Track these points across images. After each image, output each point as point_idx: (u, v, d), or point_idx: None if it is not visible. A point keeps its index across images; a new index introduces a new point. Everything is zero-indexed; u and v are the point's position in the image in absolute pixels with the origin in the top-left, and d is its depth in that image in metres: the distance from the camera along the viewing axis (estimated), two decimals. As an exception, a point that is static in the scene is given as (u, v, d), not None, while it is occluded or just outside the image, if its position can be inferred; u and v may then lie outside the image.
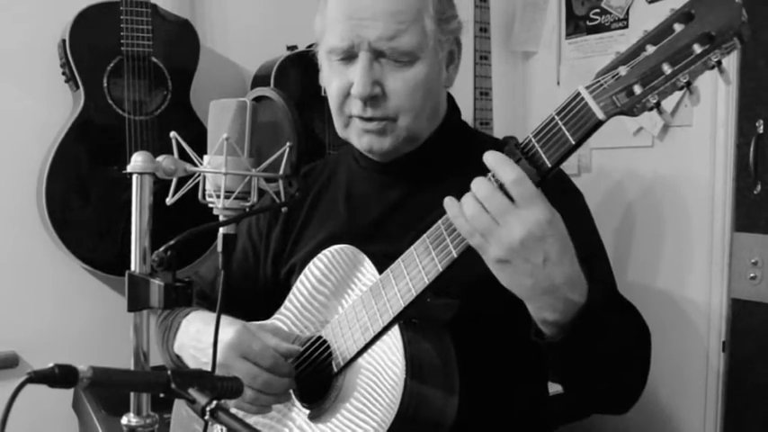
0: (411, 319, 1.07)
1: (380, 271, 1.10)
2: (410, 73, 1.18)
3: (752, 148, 2.05)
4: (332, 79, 1.22)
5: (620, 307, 1.17)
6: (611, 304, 1.06)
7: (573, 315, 0.96)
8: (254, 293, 1.37)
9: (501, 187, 0.92)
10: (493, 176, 0.94)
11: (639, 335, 1.15)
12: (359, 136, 1.23)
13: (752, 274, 2.07)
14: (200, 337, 1.19)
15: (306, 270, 1.24)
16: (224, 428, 1.07)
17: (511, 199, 0.91)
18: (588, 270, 1.15)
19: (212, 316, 0.97)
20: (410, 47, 1.16)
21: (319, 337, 1.18)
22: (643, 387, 1.17)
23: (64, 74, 2.02)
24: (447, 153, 1.27)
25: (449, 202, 0.97)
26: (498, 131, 2.45)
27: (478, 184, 0.94)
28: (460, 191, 0.97)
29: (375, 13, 1.15)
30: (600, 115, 0.87)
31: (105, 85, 2.00)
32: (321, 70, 1.30)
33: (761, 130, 2.04)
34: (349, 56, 1.18)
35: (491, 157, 0.93)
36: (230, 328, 1.12)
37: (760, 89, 2.05)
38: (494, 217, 0.91)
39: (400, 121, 1.20)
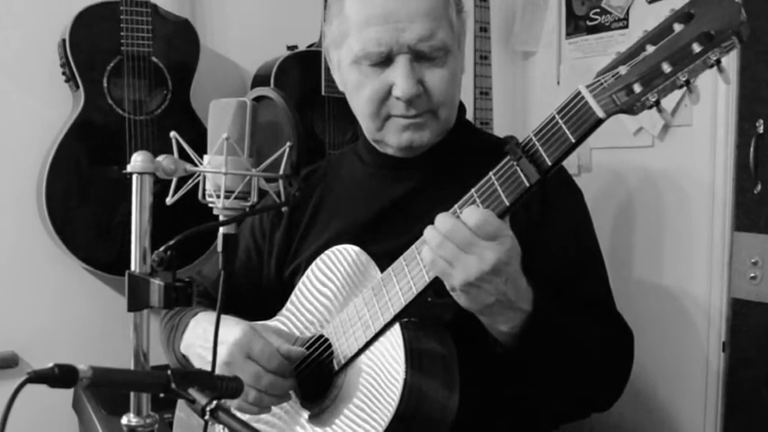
0: (412, 318, 1.07)
1: (383, 269, 1.10)
2: (445, 67, 1.19)
3: (752, 148, 2.04)
4: (364, 84, 1.20)
5: (596, 311, 1.20)
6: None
7: (521, 321, 1.02)
8: (258, 293, 1.38)
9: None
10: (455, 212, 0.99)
11: (608, 343, 1.18)
12: (398, 133, 1.22)
13: (752, 274, 2.07)
14: (207, 337, 1.19)
15: (309, 270, 1.25)
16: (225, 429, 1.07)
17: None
18: (582, 273, 1.17)
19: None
20: (444, 42, 1.17)
21: (321, 336, 1.18)
22: (619, 388, 1.21)
23: (64, 74, 2.02)
24: (455, 149, 1.28)
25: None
26: (498, 131, 2.45)
27: (441, 221, 0.97)
28: (464, 188, 1.00)
29: (411, 14, 1.15)
30: (600, 114, 0.88)
31: (105, 85, 2.00)
32: (338, 74, 1.28)
33: (761, 130, 2.04)
34: (385, 59, 1.17)
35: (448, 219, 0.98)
36: (236, 328, 1.12)
37: (760, 89, 2.04)
38: (460, 248, 0.95)
39: (440, 114, 1.21)
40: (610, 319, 1.23)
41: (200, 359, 1.21)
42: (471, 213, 0.95)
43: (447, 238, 0.95)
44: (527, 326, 1.02)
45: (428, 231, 0.98)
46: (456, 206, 1.01)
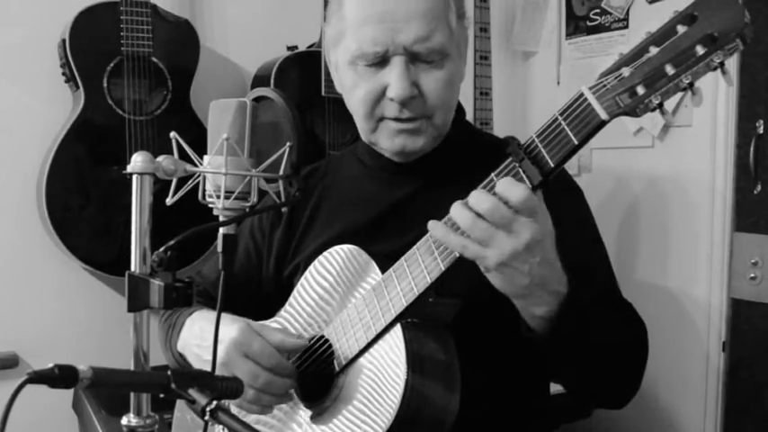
0: (413, 319, 1.07)
1: (384, 270, 1.10)
2: (442, 71, 1.17)
3: (752, 148, 2.04)
4: (359, 84, 1.19)
5: (612, 300, 1.20)
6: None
7: (557, 305, 1.00)
8: (257, 293, 1.37)
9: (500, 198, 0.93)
10: (487, 186, 0.96)
11: (632, 328, 1.18)
12: (391, 137, 1.20)
13: (752, 275, 2.07)
14: (203, 335, 1.19)
15: (309, 270, 1.24)
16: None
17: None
18: (588, 267, 1.16)
19: (215, 314, 0.97)
20: (441, 45, 1.16)
21: (321, 336, 1.18)
22: (638, 381, 1.20)
23: (64, 74, 2.02)
24: (456, 152, 1.27)
25: (433, 225, 0.99)
26: (498, 131, 2.45)
27: (479, 198, 0.94)
28: (466, 190, 0.98)
29: (408, 15, 1.13)
30: (603, 116, 0.87)
31: (105, 85, 2.00)
32: (336, 74, 1.28)
33: (761, 130, 2.04)
34: (381, 60, 1.16)
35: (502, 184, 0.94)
36: (233, 327, 1.12)
37: (760, 89, 2.04)
38: (496, 226, 0.93)
39: (435, 119, 1.20)
40: (626, 309, 1.23)
41: (196, 358, 1.21)
42: (509, 187, 0.92)
43: (480, 217, 0.93)
44: (563, 309, 1.00)
45: (457, 211, 0.95)
46: None
